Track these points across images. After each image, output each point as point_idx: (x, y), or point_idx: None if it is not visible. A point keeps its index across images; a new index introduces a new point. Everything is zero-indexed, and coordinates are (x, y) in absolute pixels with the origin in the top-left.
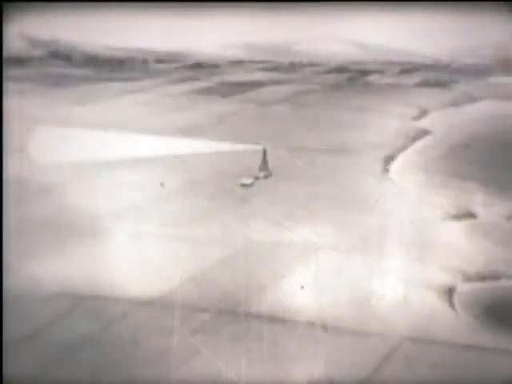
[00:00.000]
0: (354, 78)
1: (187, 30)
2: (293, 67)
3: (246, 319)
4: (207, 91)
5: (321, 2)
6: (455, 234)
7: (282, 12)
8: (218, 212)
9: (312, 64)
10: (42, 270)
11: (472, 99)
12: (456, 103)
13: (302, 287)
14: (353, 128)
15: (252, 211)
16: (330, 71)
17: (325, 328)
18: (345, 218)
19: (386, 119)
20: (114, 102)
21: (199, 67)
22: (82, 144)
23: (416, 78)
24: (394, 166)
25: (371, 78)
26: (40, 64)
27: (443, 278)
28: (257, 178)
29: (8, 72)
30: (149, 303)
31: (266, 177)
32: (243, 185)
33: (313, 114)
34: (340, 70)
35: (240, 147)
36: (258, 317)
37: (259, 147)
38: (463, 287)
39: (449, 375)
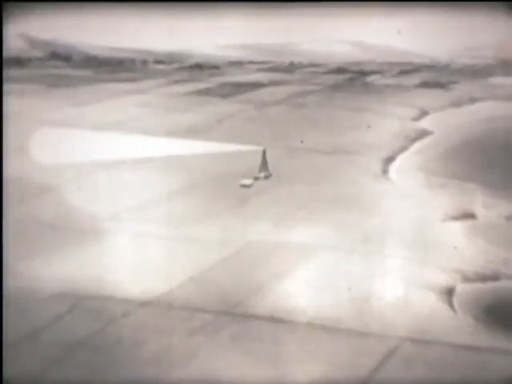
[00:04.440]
0: (353, 79)
1: (187, 31)
2: (292, 68)
3: (245, 319)
4: (207, 92)
5: (321, 3)
6: (455, 235)
7: (281, 13)
8: (218, 212)
9: (312, 65)
10: (43, 269)
11: (472, 100)
12: (456, 104)
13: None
14: (352, 129)
15: (252, 212)
16: (329, 72)
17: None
18: (345, 218)
19: (386, 120)
20: (113, 103)
21: (199, 68)
22: (82, 144)
23: (416, 79)
24: (394, 167)
25: (371, 79)
26: (40, 64)
27: (443, 279)
28: (256, 179)
29: (8, 72)
30: (149, 303)
31: (265, 177)
32: (243, 185)
33: (312, 115)
34: (340, 70)
35: (239, 148)
36: (258, 317)
37: (259, 148)
38: (463, 288)
39: (448, 375)
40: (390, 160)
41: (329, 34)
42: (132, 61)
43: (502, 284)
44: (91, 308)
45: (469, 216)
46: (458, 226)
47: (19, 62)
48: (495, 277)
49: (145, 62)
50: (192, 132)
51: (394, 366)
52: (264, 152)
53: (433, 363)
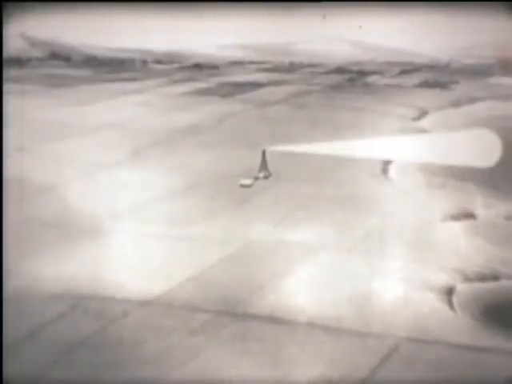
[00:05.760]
0: (353, 79)
1: (187, 31)
2: (292, 68)
3: (245, 319)
4: (206, 92)
5: (321, 3)
6: (454, 235)
7: (281, 13)
8: (218, 212)
9: (311, 65)
10: (43, 269)
11: (471, 100)
12: (456, 104)
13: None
14: (352, 129)
15: (252, 211)
16: (329, 72)
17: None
18: (344, 218)
19: (386, 120)
20: (113, 103)
21: (198, 68)
22: (82, 144)
23: (416, 79)
24: (394, 167)
25: (371, 79)
26: (40, 64)
27: (442, 279)
28: (256, 179)
29: (8, 72)
30: (149, 303)
31: (265, 177)
32: (243, 185)
33: (312, 115)
34: (339, 70)
35: (239, 148)
36: (258, 317)
37: (259, 148)
38: (462, 287)
39: (448, 375)
40: (389, 160)
41: (329, 33)
42: (132, 61)
43: (502, 284)
44: (91, 308)
45: (468, 216)
46: (457, 226)
47: (19, 61)
48: (495, 276)
49: (144, 62)
50: (193, 132)
51: (394, 365)
52: (264, 152)
53: (433, 363)
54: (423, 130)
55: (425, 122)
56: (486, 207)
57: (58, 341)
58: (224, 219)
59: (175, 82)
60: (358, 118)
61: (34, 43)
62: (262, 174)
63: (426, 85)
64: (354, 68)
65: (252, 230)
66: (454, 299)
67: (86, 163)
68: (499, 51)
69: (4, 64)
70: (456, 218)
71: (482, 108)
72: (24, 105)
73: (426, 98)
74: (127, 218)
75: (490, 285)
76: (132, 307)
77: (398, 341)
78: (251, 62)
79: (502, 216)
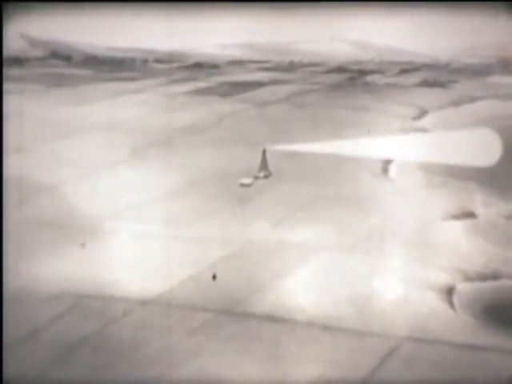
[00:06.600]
0: (353, 78)
1: (187, 31)
2: (292, 67)
3: (245, 318)
4: (207, 91)
5: (321, 3)
6: (455, 234)
7: (281, 12)
8: (218, 212)
9: (312, 64)
10: (42, 269)
11: (471, 99)
12: (456, 103)
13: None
14: (352, 128)
15: (252, 211)
16: (329, 71)
17: None
18: (345, 217)
19: (386, 119)
20: (113, 102)
21: (199, 67)
22: (82, 143)
23: (416, 78)
24: (394, 166)
25: (371, 78)
26: (40, 64)
27: (443, 278)
28: (256, 178)
29: (8, 72)
30: (149, 303)
31: (265, 176)
32: (243, 185)
33: (312, 114)
34: (340, 70)
35: (239, 147)
36: (258, 316)
37: (259, 147)
38: (463, 287)
39: (448, 374)
40: (390, 159)
41: (329, 33)
42: (132, 60)
43: (503, 283)
44: (91, 307)
45: (469, 215)
46: (458, 225)
47: (19, 61)
48: (495, 276)
49: (145, 62)
50: (193, 131)
51: (395, 365)
52: (264, 151)
53: (433, 362)
54: (423, 129)
55: (425, 121)
56: (487, 206)
57: (58, 340)
58: (224, 219)
59: (175, 81)
60: (358, 117)
61: (34, 43)
62: (262, 174)
63: (426, 84)
64: (354, 67)
65: (252, 229)
66: (455, 298)
67: (86, 163)
68: (500, 51)
69: (4, 64)
70: (457, 217)
71: (482, 107)
72: (24, 104)
73: (426, 97)
74: (127, 218)
75: (491, 284)
76: (132, 306)
77: (398, 340)
78: (251, 62)
79: (502, 215)
